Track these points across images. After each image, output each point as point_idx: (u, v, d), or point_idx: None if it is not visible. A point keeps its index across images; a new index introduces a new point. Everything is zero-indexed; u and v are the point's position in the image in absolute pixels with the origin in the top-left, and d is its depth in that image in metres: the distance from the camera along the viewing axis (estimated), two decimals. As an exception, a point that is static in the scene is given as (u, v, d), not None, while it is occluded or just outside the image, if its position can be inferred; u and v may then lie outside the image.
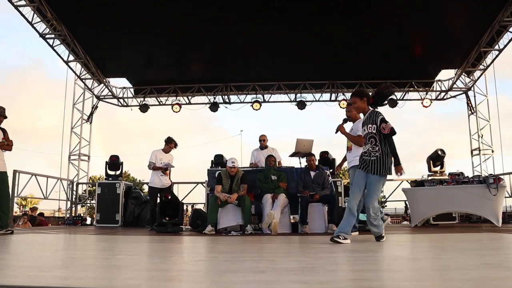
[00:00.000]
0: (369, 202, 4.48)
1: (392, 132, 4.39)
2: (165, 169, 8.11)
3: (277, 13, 9.99)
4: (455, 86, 13.30)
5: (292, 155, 7.94)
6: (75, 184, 12.38)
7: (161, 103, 13.86)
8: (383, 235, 4.68)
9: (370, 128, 4.53)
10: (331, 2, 9.72)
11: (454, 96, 13.57)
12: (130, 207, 9.82)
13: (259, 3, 9.69)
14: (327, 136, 75.19)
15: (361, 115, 4.85)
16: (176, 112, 13.39)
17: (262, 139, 8.33)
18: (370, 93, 4.76)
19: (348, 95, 13.35)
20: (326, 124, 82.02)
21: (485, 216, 7.38)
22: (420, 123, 76.99)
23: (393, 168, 4.44)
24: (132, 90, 14.01)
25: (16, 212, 21.50)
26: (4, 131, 6.60)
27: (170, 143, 8.17)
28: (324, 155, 9.07)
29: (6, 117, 6.59)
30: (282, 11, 9.95)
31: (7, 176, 6.64)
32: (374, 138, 4.51)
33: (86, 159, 13.38)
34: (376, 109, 4.61)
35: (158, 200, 7.89)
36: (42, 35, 10.61)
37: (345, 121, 5.94)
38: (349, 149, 6.00)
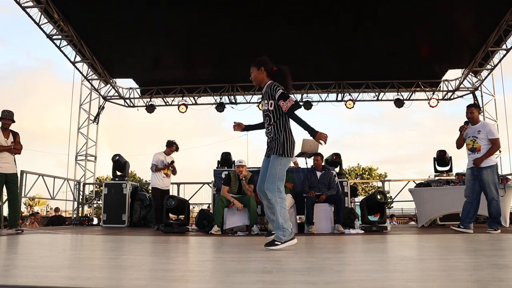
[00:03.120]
0: (266, 184, 3.80)
1: (293, 107, 3.77)
2: (168, 168, 8.23)
3: (283, 16, 10.01)
4: (462, 86, 13.22)
5: (298, 155, 7.94)
6: (81, 184, 12.45)
7: (167, 103, 13.90)
8: (279, 242, 3.69)
9: (266, 105, 3.91)
10: (338, 5, 9.73)
11: (461, 96, 13.50)
12: (136, 208, 9.85)
13: (265, 7, 9.70)
14: (334, 136, 74.85)
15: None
16: (183, 112, 13.43)
17: None
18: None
19: (355, 95, 13.35)
20: (333, 124, 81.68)
21: (492, 216, 7.31)
22: (427, 123, 76.52)
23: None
24: (138, 90, 14.06)
25: (23, 213, 21.64)
26: (15, 134, 6.67)
27: (171, 146, 8.33)
28: (336, 157, 9.01)
29: (14, 121, 6.65)
30: (289, 14, 9.98)
31: (16, 177, 6.77)
32: (269, 116, 3.89)
33: (92, 160, 13.46)
34: (275, 82, 3.95)
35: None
36: (49, 36, 10.67)
37: (466, 123, 6.25)
38: (476, 150, 6.14)
